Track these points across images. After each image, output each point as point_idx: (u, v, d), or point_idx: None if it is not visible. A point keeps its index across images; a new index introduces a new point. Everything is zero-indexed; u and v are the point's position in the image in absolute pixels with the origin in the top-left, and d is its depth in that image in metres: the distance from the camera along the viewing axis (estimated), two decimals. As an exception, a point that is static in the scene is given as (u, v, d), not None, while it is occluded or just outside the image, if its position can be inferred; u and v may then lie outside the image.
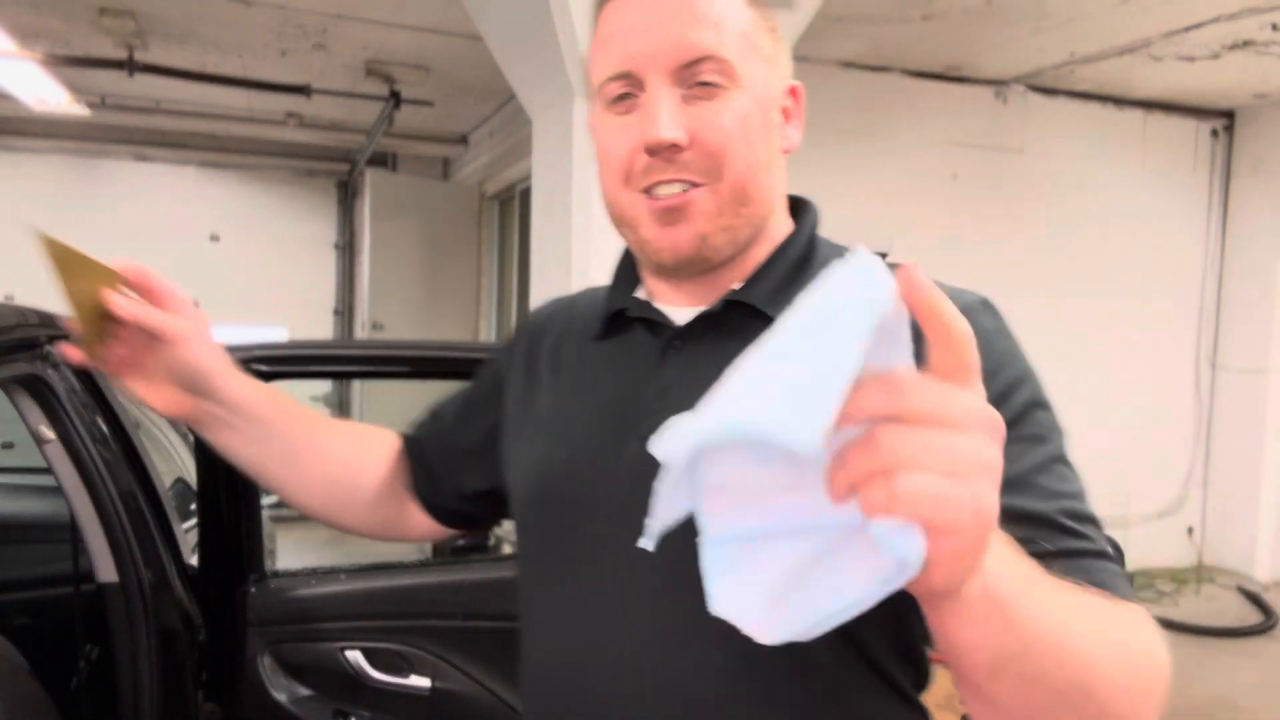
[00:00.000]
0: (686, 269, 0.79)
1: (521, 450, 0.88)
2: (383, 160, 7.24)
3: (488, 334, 6.73)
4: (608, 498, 0.77)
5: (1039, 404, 0.73)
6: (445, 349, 1.77)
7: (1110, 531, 0.72)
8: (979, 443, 0.43)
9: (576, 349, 0.90)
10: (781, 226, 0.85)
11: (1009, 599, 0.50)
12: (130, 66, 4.77)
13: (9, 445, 2.43)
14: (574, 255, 3.29)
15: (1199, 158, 5.58)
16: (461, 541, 4.96)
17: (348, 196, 7.49)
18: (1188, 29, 4.10)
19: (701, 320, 0.81)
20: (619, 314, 0.86)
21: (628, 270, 0.89)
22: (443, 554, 4.84)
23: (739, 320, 0.79)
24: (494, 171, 6.33)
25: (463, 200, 6.85)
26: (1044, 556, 0.60)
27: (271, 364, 1.52)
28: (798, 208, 0.87)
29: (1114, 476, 5.36)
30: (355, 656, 1.63)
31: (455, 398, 1.07)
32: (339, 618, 1.66)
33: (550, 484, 0.83)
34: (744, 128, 0.75)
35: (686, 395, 0.72)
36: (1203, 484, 5.71)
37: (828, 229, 0.88)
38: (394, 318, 6.61)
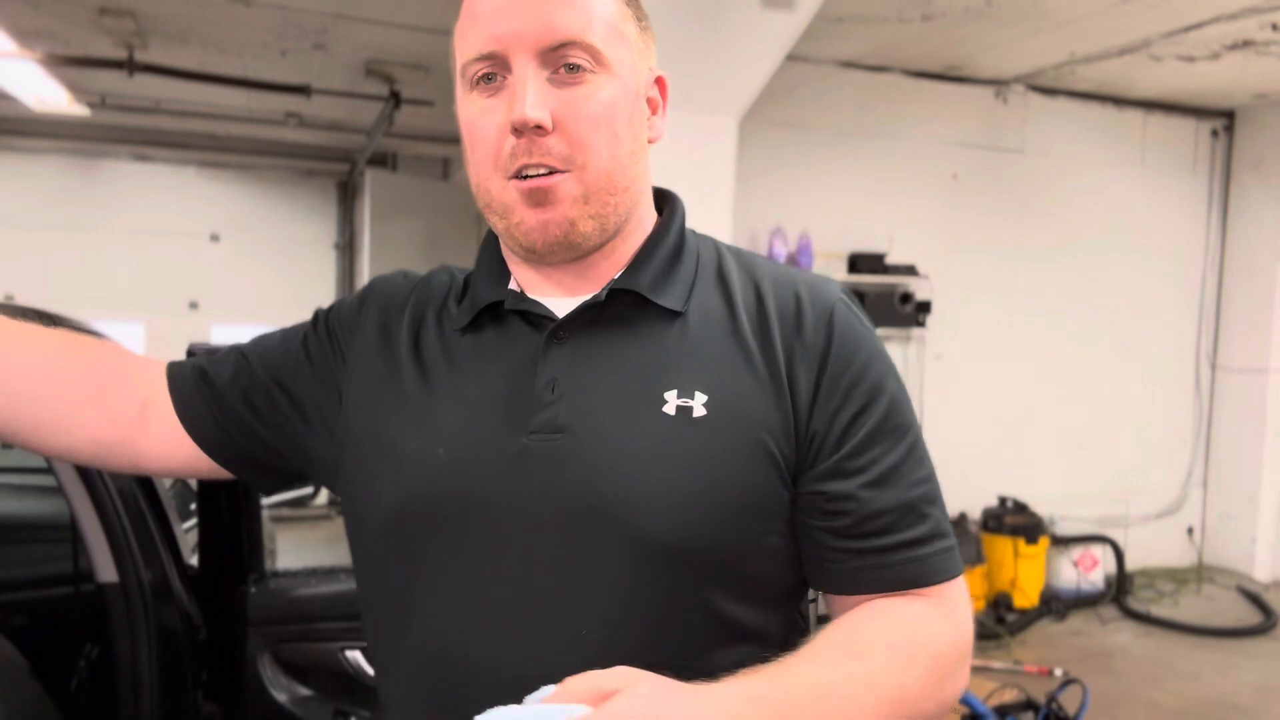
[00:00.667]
0: (556, 253, 0.78)
1: (387, 445, 0.81)
2: (383, 160, 7.24)
3: (488, 334, 6.73)
4: (501, 493, 0.75)
5: (899, 393, 0.81)
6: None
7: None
8: None
9: (439, 339, 0.85)
10: (649, 216, 0.85)
11: None
12: (130, 66, 4.76)
13: (9, 445, 2.43)
14: (574, 255, 3.28)
15: (1199, 158, 5.58)
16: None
17: (348, 196, 7.49)
18: (1188, 29, 4.10)
19: (585, 310, 0.80)
20: (491, 306, 0.83)
21: (494, 260, 0.86)
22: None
23: (623, 309, 0.80)
24: (494, 171, 6.32)
25: (463, 200, 6.84)
26: (888, 550, 0.77)
27: (271, 364, 1.52)
28: (663, 199, 0.88)
29: (1114, 476, 5.36)
30: (355, 656, 1.63)
31: (270, 336, 0.96)
32: (339, 618, 1.66)
33: (432, 482, 0.78)
34: (610, 115, 0.75)
35: (576, 385, 0.78)
36: (1203, 484, 5.71)
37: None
38: (394, 318, 6.60)
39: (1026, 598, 4.71)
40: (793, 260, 4.35)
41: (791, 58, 3.73)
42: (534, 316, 0.81)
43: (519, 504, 0.75)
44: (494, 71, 0.75)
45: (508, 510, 0.75)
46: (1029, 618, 4.63)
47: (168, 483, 1.83)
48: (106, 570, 1.55)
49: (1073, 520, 5.07)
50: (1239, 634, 4.55)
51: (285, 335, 0.95)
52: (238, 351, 0.94)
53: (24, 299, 1.55)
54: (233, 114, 6.16)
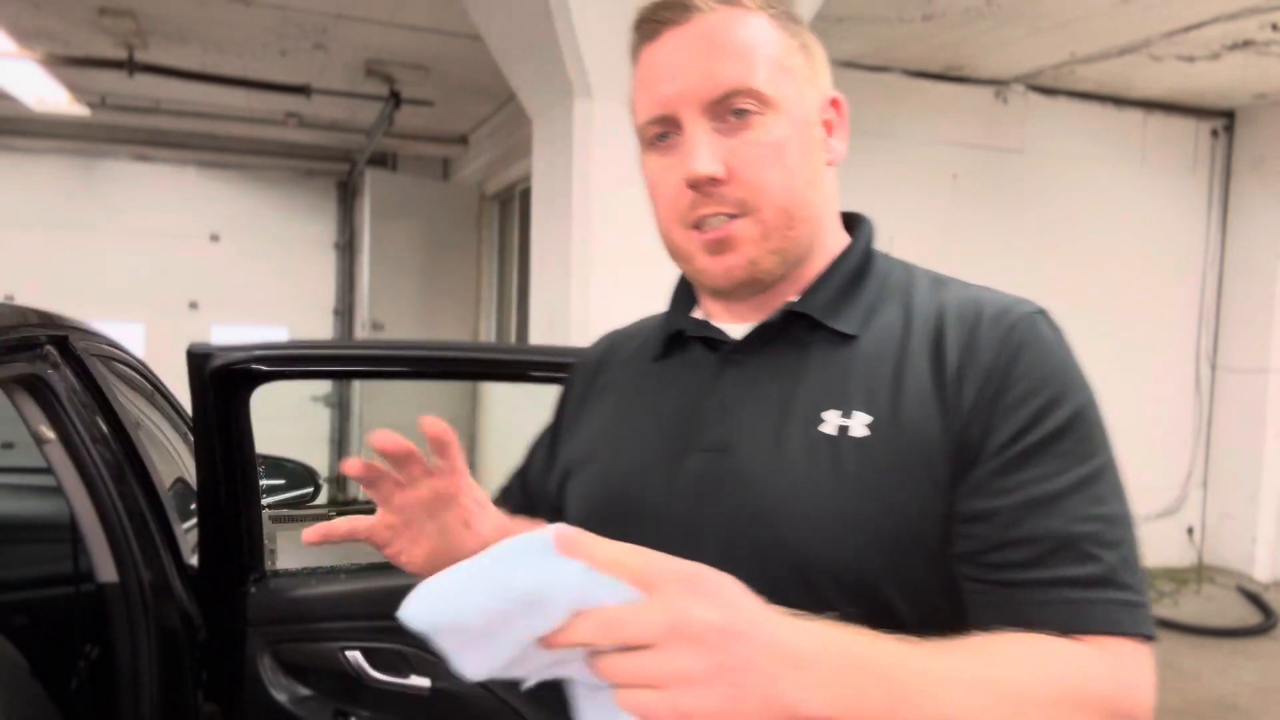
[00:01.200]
0: (741, 291, 0.81)
1: (578, 470, 0.90)
2: (383, 160, 7.24)
3: (488, 334, 6.73)
4: (668, 508, 0.79)
5: (1089, 416, 0.73)
6: (445, 349, 1.77)
7: None
8: (668, 657, 0.52)
9: (637, 370, 0.92)
10: (836, 240, 0.86)
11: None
12: (130, 66, 4.77)
13: (9, 445, 2.43)
14: (574, 255, 3.28)
15: (1199, 158, 5.58)
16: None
17: (348, 196, 7.49)
18: (1188, 29, 4.10)
19: (759, 333, 0.82)
20: (677, 334, 0.88)
21: (684, 294, 0.91)
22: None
23: (797, 331, 0.81)
24: (494, 172, 6.33)
25: (463, 200, 6.85)
26: (1033, 585, 0.67)
27: (271, 364, 1.52)
28: (855, 223, 0.89)
29: (1114, 476, 5.36)
30: (355, 656, 1.63)
31: (537, 441, 1.07)
32: (339, 618, 1.66)
33: (609, 498, 0.84)
34: (780, 153, 0.76)
35: (742, 404, 0.80)
36: (1203, 484, 5.71)
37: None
38: (394, 318, 6.61)
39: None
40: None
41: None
42: (713, 341, 0.85)
43: (682, 516, 0.78)
44: (667, 130, 0.77)
45: (670, 521, 0.78)
46: (1029, 618, 4.63)
47: (168, 482, 1.83)
48: (106, 570, 1.54)
49: (1073, 520, 5.06)
50: (1239, 634, 4.55)
51: (536, 441, 1.06)
52: (518, 476, 1.06)
53: (24, 299, 1.55)
54: (233, 114, 6.16)
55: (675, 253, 0.83)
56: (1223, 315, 5.66)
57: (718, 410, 0.80)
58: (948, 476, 0.71)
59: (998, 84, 5.06)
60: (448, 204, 6.84)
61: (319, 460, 7.09)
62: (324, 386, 7.29)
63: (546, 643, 0.54)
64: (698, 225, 0.78)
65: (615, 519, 0.79)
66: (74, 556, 1.68)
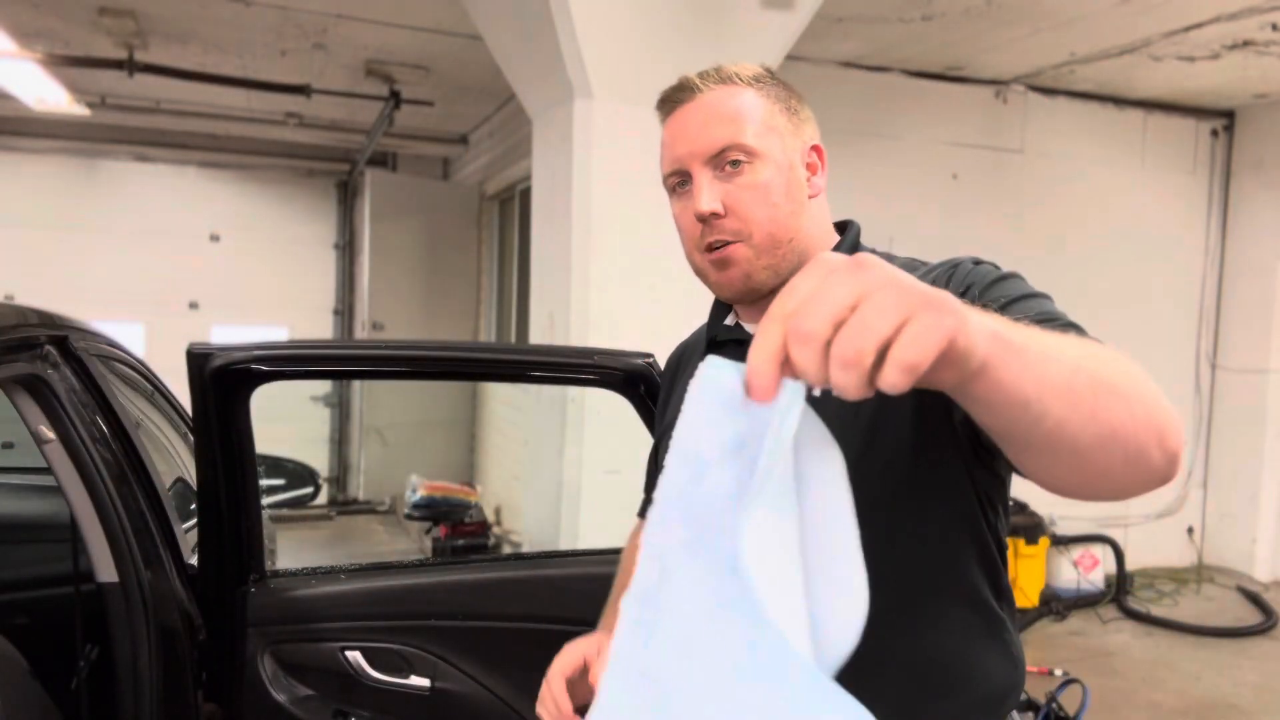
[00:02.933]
0: (745, 297, 1.05)
1: (652, 470, 1.16)
2: (383, 160, 7.24)
3: (488, 334, 6.73)
4: None
5: (1004, 272, 0.93)
6: (445, 349, 1.77)
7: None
8: (828, 284, 0.54)
9: (690, 373, 1.04)
10: (828, 249, 1.05)
11: (1009, 336, 0.61)
12: (130, 66, 4.77)
13: (9, 445, 2.43)
14: (574, 255, 3.28)
15: (1199, 158, 5.57)
16: (461, 542, 4.97)
17: (348, 196, 7.49)
18: (1188, 29, 4.10)
19: None
20: (714, 340, 1.13)
21: (719, 306, 1.15)
22: (443, 554, 4.85)
23: None
24: (494, 171, 6.33)
25: (463, 200, 6.85)
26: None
27: (271, 364, 1.52)
28: (847, 227, 1.10)
29: (1114, 476, 5.36)
30: (355, 656, 1.63)
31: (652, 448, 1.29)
32: (339, 618, 1.66)
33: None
34: (767, 192, 0.99)
35: None
36: (1203, 484, 5.71)
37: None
38: (394, 318, 6.61)
39: (1026, 598, 4.71)
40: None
41: (791, 58, 3.72)
42: (742, 341, 1.07)
43: None
44: (682, 180, 1.03)
45: None
46: (1029, 618, 4.63)
47: (168, 482, 1.83)
48: (106, 570, 1.54)
49: (1072, 520, 5.07)
50: (1239, 634, 4.55)
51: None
52: (646, 486, 1.28)
53: (24, 299, 1.55)
54: (232, 114, 6.16)
55: (697, 272, 1.06)
56: (1223, 315, 5.66)
57: None
58: (912, 406, 0.89)
59: (998, 84, 5.06)
60: (448, 204, 6.85)
61: (319, 460, 7.10)
62: (324, 386, 7.29)
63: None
64: (708, 249, 1.01)
65: None
66: (74, 556, 1.68)
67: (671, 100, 1.04)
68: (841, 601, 0.55)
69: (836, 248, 1.06)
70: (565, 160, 3.30)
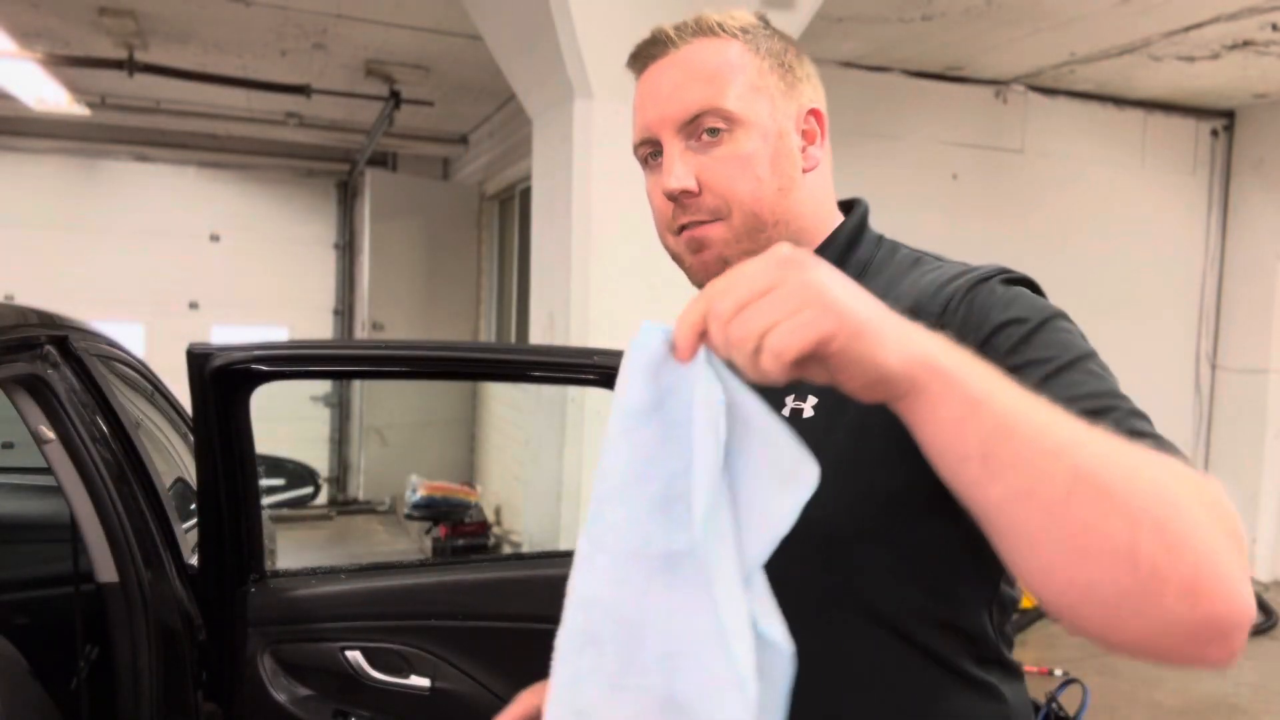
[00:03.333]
0: None
1: None
2: (383, 160, 7.24)
3: (488, 334, 6.73)
4: None
5: (1052, 325, 0.76)
6: (445, 349, 1.77)
7: None
8: (756, 272, 0.57)
9: None
10: (827, 232, 0.92)
11: (964, 378, 0.57)
12: (130, 66, 4.77)
13: (9, 445, 2.43)
14: (574, 255, 3.29)
15: (1199, 158, 5.58)
16: (461, 541, 4.97)
17: (347, 196, 7.49)
18: (1188, 29, 4.10)
19: None
20: None
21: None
22: (443, 554, 4.85)
23: None
24: (494, 171, 6.33)
25: (463, 200, 6.85)
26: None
27: (271, 364, 1.52)
28: (853, 207, 0.95)
29: (1114, 476, 5.36)
30: (355, 656, 1.63)
31: None
32: (339, 618, 1.66)
33: None
34: (748, 164, 0.84)
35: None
36: (1203, 484, 5.71)
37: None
38: (394, 318, 6.61)
39: (1027, 598, 4.70)
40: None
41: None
42: None
43: None
44: (654, 151, 0.88)
45: None
46: (1029, 617, 4.63)
47: (168, 482, 1.83)
48: (106, 570, 1.55)
49: (1073, 520, 5.06)
50: (1239, 634, 4.55)
51: None
52: None
53: (24, 299, 1.55)
54: (233, 114, 6.16)
55: (671, 254, 0.91)
56: (1223, 315, 5.66)
57: None
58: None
59: (998, 84, 5.06)
60: (448, 204, 6.85)
61: (319, 460, 7.10)
62: (324, 386, 7.29)
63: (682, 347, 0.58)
64: (682, 231, 0.87)
65: None
66: (74, 556, 1.68)
67: (643, 56, 0.88)
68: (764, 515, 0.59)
69: (838, 231, 0.91)
70: (565, 160, 3.30)
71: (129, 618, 1.54)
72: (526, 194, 5.10)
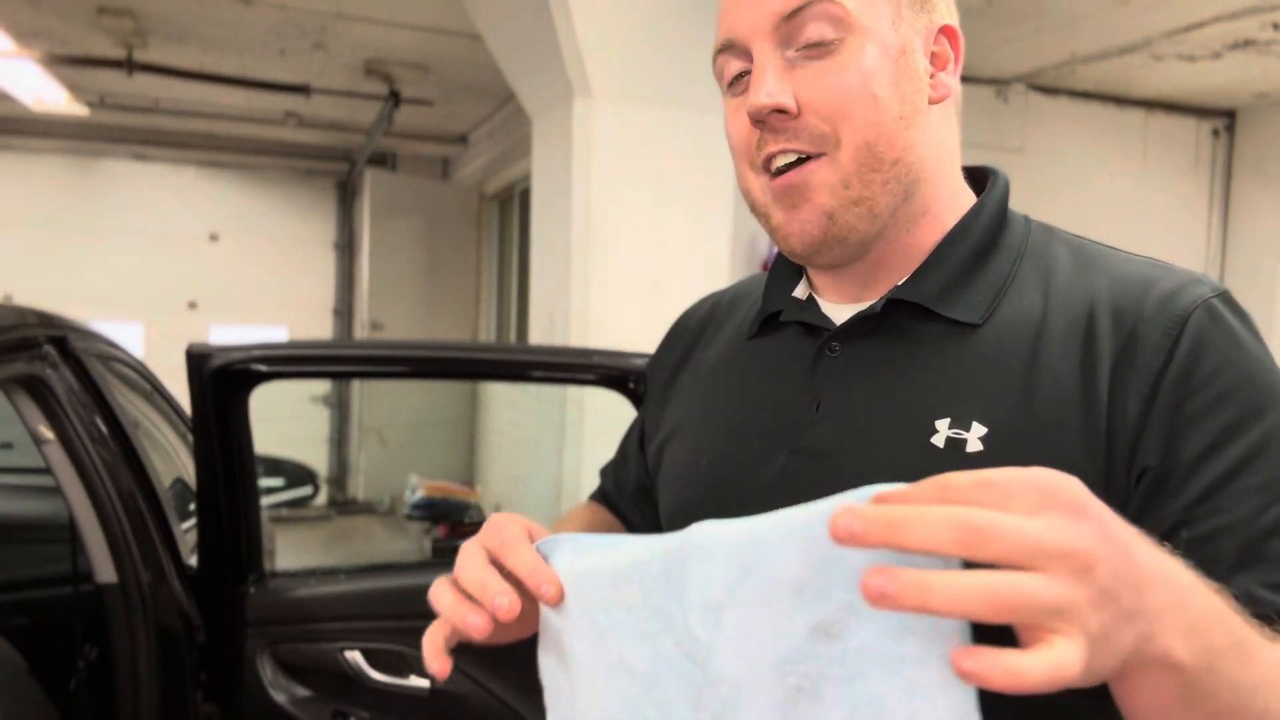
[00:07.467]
0: (823, 254, 0.69)
1: (670, 454, 0.81)
2: (382, 160, 7.24)
3: (487, 334, 6.73)
4: (755, 512, 0.69)
5: (1273, 436, 0.59)
6: (445, 349, 1.77)
7: None
8: (1049, 581, 0.41)
9: (731, 347, 0.82)
10: (958, 200, 0.72)
11: (1194, 672, 0.45)
12: (129, 66, 4.76)
13: (9, 445, 2.43)
14: (574, 255, 3.28)
15: (1199, 158, 5.57)
16: (461, 542, 4.97)
17: (347, 196, 7.49)
18: (1188, 29, 4.10)
19: (858, 322, 0.70)
20: (773, 316, 0.78)
21: (785, 266, 0.79)
22: (443, 554, 4.84)
23: (903, 321, 0.69)
24: (493, 171, 6.33)
25: (462, 200, 6.85)
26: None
27: (271, 364, 1.52)
28: (985, 180, 0.75)
29: (1114, 476, 5.36)
30: (355, 657, 1.62)
31: (631, 428, 1.00)
32: (339, 618, 1.65)
33: (693, 493, 0.76)
34: (865, 81, 0.64)
35: (841, 405, 0.69)
36: (1203, 484, 5.71)
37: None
38: (394, 318, 6.61)
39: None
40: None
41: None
42: (808, 326, 0.74)
43: None
44: (743, 69, 0.68)
45: None
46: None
47: (167, 482, 1.83)
48: (106, 571, 1.54)
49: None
50: (1239, 634, 4.55)
51: (631, 428, 0.99)
52: (614, 464, 1.01)
53: (24, 299, 1.55)
54: (232, 114, 6.16)
55: (754, 209, 0.72)
56: (1223, 315, 5.65)
57: (811, 410, 0.70)
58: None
59: (998, 84, 5.06)
60: (447, 204, 6.84)
61: (319, 460, 7.10)
62: (324, 386, 7.29)
63: (875, 596, 0.40)
64: (768, 169, 0.67)
65: (696, 518, 0.70)
66: (73, 556, 1.68)
67: None
68: None
69: (972, 218, 0.70)
70: (565, 160, 3.30)
71: (128, 618, 1.54)
72: (526, 194, 5.09)
